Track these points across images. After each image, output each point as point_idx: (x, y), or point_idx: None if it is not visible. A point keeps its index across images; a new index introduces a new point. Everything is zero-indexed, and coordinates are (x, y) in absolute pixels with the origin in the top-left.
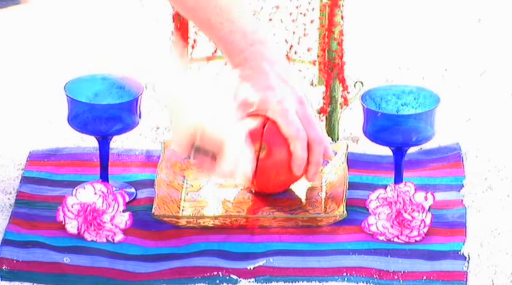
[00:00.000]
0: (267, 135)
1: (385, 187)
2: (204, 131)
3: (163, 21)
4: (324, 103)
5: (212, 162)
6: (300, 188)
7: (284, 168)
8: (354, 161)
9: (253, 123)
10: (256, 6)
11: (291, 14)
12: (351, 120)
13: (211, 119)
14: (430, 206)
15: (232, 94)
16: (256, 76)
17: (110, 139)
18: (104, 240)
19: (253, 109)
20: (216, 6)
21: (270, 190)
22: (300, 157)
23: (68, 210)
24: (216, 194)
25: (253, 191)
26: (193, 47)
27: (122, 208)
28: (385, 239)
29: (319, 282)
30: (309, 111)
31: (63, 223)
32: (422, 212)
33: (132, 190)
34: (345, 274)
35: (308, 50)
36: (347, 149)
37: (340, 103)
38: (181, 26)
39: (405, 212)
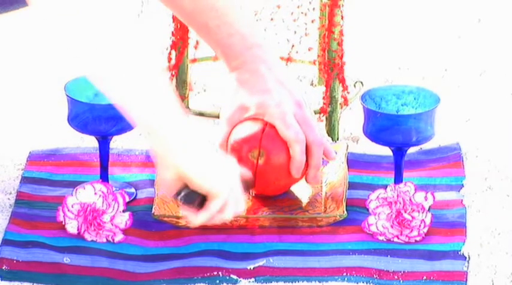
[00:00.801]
0: (265, 140)
1: (385, 187)
2: (190, 178)
3: (164, 21)
4: (324, 103)
5: (198, 209)
6: (300, 189)
7: (283, 173)
8: (354, 161)
9: (252, 128)
10: (258, 6)
11: (292, 13)
12: (351, 120)
13: (199, 164)
14: (430, 206)
15: (230, 98)
16: (253, 80)
17: (110, 139)
18: (104, 240)
19: (251, 113)
20: (213, 9)
21: (270, 194)
22: (299, 160)
23: (68, 210)
24: None
25: (253, 194)
26: (195, 47)
27: (122, 208)
28: (385, 239)
29: (319, 282)
30: (307, 113)
31: (63, 223)
32: (422, 212)
33: (132, 190)
34: (345, 274)
35: (309, 50)
36: (347, 150)
37: (340, 103)
38: (181, 27)
39: (405, 212)
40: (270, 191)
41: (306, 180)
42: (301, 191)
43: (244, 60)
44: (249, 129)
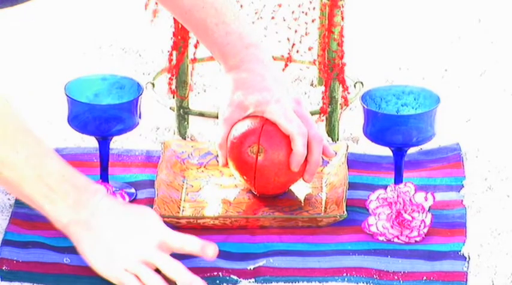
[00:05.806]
0: (264, 137)
1: (385, 187)
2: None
3: (164, 20)
4: (324, 103)
5: None
6: (300, 189)
7: (283, 169)
8: (354, 162)
9: (251, 125)
10: (259, 4)
11: (293, 12)
12: (351, 120)
13: None
14: (430, 207)
15: (227, 98)
16: (251, 79)
17: (110, 140)
18: None
19: (251, 111)
20: (211, 7)
21: (271, 192)
22: (301, 153)
23: None
24: (216, 194)
25: (255, 194)
26: (195, 46)
27: None
28: (385, 240)
29: (319, 282)
30: (305, 110)
31: None
32: (422, 213)
33: (132, 190)
34: (345, 274)
35: (309, 49)
36: (347, 150)
37: (340, 104)
38: (182, 27)
39: (405, 212)
40: (270, 189)
41: (303, 177)
42: (301, 191)
43: (241, 59)
44: (248, 125)
